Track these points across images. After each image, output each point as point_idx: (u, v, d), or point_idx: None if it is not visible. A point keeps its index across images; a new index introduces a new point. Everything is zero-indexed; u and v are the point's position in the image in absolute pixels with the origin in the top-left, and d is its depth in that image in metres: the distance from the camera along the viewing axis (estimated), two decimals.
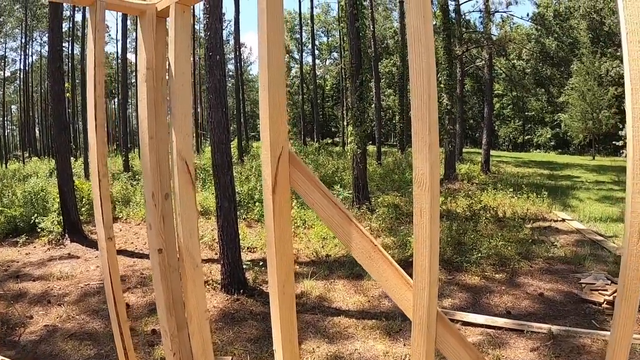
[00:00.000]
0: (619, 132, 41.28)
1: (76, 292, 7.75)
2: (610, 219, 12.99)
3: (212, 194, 10.95)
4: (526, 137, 56.25)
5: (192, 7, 2.64)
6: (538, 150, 52.98)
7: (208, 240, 10.38)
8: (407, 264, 8.74)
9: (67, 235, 11.27)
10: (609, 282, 7.45)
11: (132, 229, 12.37)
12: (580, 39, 45.48)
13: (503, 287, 7.60)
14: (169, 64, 2.67)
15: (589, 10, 47.58)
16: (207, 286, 7.65)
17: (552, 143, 52.49)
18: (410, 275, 1.75)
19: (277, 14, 1.95)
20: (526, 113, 54.67)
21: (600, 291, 7.18)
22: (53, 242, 10.98)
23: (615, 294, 6.98)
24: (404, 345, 5.65)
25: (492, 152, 26.79)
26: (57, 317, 6.69)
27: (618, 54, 45.45)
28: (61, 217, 11.52)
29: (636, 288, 1.32)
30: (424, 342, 1.65)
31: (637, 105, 1.32)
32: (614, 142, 42.95)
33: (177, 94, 2.60)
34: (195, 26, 42.16)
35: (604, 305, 6.83)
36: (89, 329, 6.30)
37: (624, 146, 42.08)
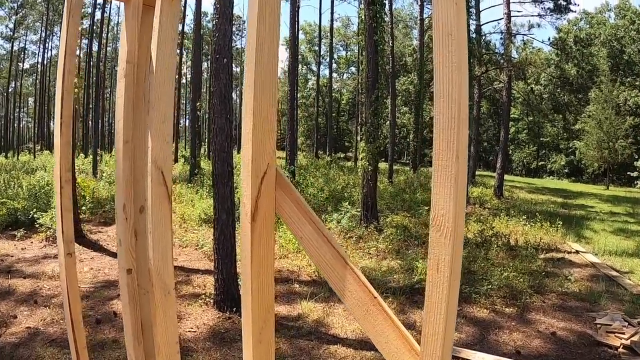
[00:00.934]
0: (635, 162, 40.77)
1: (63, 295, 7.41)
2: (626, 253, 12.53)
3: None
4: (540, 163, 55.88)
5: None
6: (551, 176, 52.65)
7: (208, 250, 10.03)
8: (412, 291, 8.38)
9: None
10: (627, 324, 6.99)
11: None
12: (600, 67, 45.10)
13: (513, 323, 7.14)
14: (151, 57, 2.27)
15: (609, 38, 47.27)
16: (200, 300, 7.27)
17: (566, 170, 52.18)
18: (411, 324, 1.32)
19: None
20: (541, 139, 54.31)
21: (617, 334, 6.71)
22: (50, 239, 10.77)
23: (633, 338, 6.58)
24: None
25: (505, 177, 26.34)
26: (41, 320, 6.44)
27: (637, 83, 45.03)
28: None
29: None
30: None
31: None
32: (628, 173, 42.47)
33: (158, 92, 2.20)
34: (202, 22, 42.15)
35: (620, 349, 6.38)
36: None
37: (638, 177, 41.59)
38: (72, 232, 2.44)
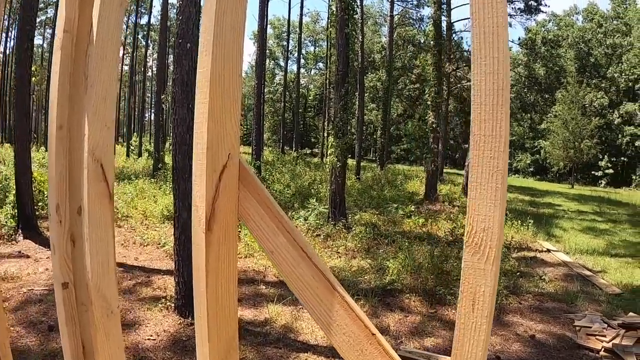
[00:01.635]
0: (599, 162, 41.52)
1: (18, 297, 7.01)
2: (597, 252, 12.51)
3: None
4: None
5: None
6: (517, 175, 53.32)
7: (170, 249, 9.55)
8: (384, 292, 8.04)
9: (20, 231, 10.49)
10: (606, 325, 6.81)
11: None
12: (567, 68, 45.77)
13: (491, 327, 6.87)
14: (91, 26, 1.81)
15: (577, 40, 48.00)
16: (160, 304, 6.80)
17: (531, 169, 52.92)
18: None
19: None
20: None
21: (597, 337, 6.52)
22: (5, 237, 10.19)
23: (614, 341, 6.37)
24: None
25: None
26: None
27: (603, 84, 45.86)
28: (16, 211, 10.67)
29: None
30: None
31: None
32: (593, 172, 43.24)
33: (98, 66, 1.75)
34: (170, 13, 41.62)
35: (602, 353, 6.20)
36: (21, 345, 5.50)
37: (603, 176, 42.35)
38: None
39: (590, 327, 6.78)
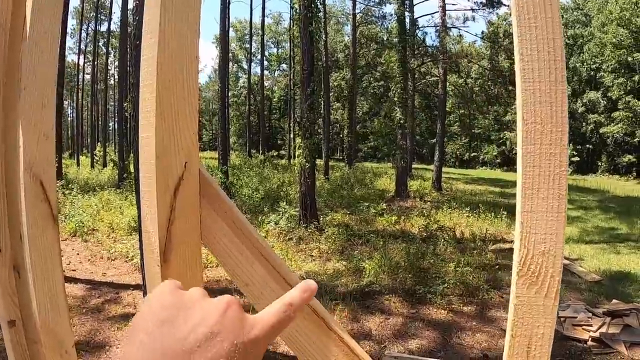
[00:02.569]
0: None
1: None
2: (572, 239, 12.61)
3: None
4: (472, 154, 57.00)
5: None
6: (484, 167, 53.90)
7: (138, 262, 9.18)
8: (363, 295, 7.82)
9: None
10: (591, 315, 6.72)
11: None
12: None
13: (474, 323, 6.72)
14: (24, 19, 1.52)
15: None
16: (130, 323, 6.46)
17: (498, 160, 53.52)
18: None
19: None
20: (473, 130, 55.31)
21: (584, 326, 6.44)
22: None
23: (601, 330, 6.28)
24: None
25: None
26: None
27: (565, 75, 46.73)
28: None
29: None
30: None
31: None
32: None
33: (33, 66, 1.46)
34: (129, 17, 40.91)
35: (590, 342, 6.12)
36: None
37: (569, 164, 42.94)
38: None
39: (576, 317, 6.68)
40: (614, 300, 7.34)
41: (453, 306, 7.33)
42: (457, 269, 8.57)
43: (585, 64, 46.11)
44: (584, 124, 45.01)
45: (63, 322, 1.56)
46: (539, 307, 0.60)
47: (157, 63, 0.86)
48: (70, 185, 18.47)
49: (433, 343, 6.12)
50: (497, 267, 9.32)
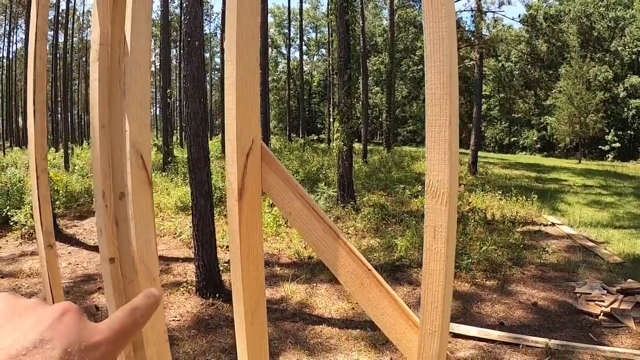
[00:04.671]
0: (606, 136, 41.45)
1: (44, 290, 7.28)
2: (601, 224, 12.75)
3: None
4: (512, 139, 56.35)
5: None
6: (524, 152, 53.16)
7: (186, 238, 9.94)
8: (393, 268, 8.43)
9: None
10: (605, 292, 7.11)
11: None
12: (570, 43, 45.52)
13: (495, 296, 7.23)
14: (125, 39, 2.17)
15: (579, 15, 47.70)
16: (181, 288, 7.20)
17: (538, 145, 52.69)
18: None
19: None
20: (513, 115, 54.74)
21: (596, 302, 6.84)
22: (26, 236, 10.54)
23: (612, 305, 6.71)
24: (391, 359, 5.24)
25: (478, 153, 26.53)
26: None
27: (607, 58, 45.63)
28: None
29: None
30: None
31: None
32: (600, 147, 43.16)
33: (133, 74, 2.10)
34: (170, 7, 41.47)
35: (601, 317, 6.52)
36: None
37: (610, 150, 42.28)
38: (51, 223, 2.35)
39: (590, 294, 7.10)
40: (630, 280, 7.69)
41: (476, 280, 7.84)
42: (483, 246, 9.06)
43: (627, 47, 44.97)
44: (625, 109, 44.01)
45: (153, 258, 2.21)
46: (438, 211, 1.17)
47: (237, 75, 1.48)
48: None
49: (454, 311, 6.67)
50: (522, 246, 9.74)
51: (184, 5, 6.32)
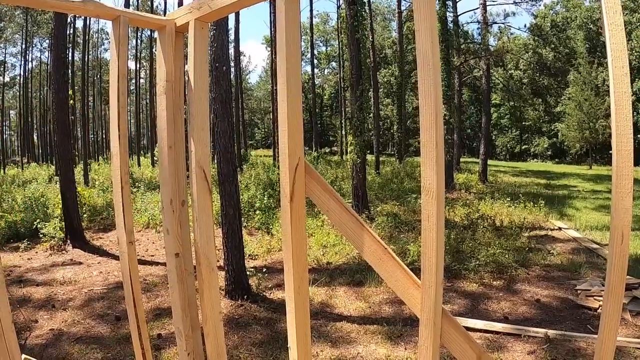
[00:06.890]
0: None
1: (80, 297, 7.85)
2: (606, 227, 13.09)
3: (217, 201, 11.11)
4: (523, 147, 56.60)
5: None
6: (535, 159, 53.37)
7: (215, 245, 10.51)
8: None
9: (69, 241, 11.41)
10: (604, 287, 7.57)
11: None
12: (577, 49, 45.88)
13: (501, 294, 7.76)
14: (187, 78, 2.82)
15: (585, 21, 48.03)
16: None
17: (549, 152, 52.90)
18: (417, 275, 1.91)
19: (295, 30, 2.14)
20: (523, 123, 55.07)
21: (595, 297, 7.32)
22: (55, 247, 11.08)
23: None
24: (405, 349, 5.81)
25: (489, 162, 27.02)
26: (63, 322, 6.77)
27: None
28: (63, 223, 11.65)
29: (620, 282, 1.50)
30: (431, 336, 1.80)
31: (619, 123, 1.50)
32: (610, 152, 43.15)
33: (196, 107, 2.76)
34: None
35: (599, 310, 6.96)
36: (95, 333, 6.39)
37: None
38: (132, 224, 2.97)
39: (590, 290, 7.58)
40: (628, 277, 8.17)
41: (484, 281, 8.36)
42: (489, 250, 9.58)
43: (634, 51, 45.11)
44: (634, 113, 44.08)
45: (212, 251, 2.84)
46: (429, 203, 1.76)
47: (288, 112, 2.10)
48: (137, 184, 19.97)
49: (463, 308, 7.22)
50: (528, 249, 10.23)
51: (211, 34, 6.96)
